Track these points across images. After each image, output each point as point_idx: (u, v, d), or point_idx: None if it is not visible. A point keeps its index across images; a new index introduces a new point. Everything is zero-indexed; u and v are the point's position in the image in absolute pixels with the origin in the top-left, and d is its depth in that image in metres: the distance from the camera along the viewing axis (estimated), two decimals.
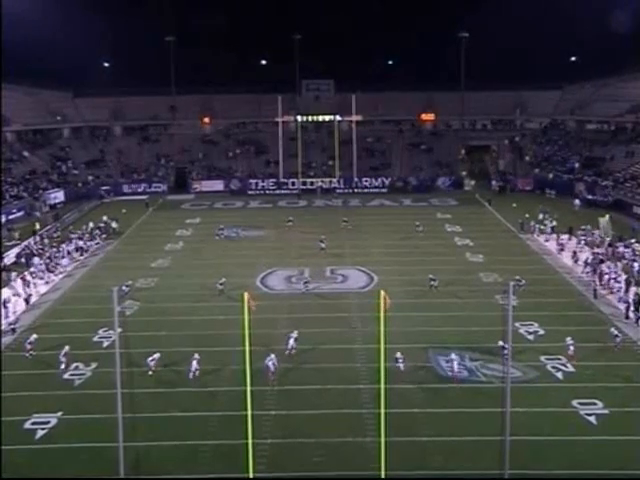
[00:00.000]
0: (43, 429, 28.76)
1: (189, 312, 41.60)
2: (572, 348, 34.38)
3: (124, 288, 43.95)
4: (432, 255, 53.45)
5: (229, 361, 33.64)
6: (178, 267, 51.78)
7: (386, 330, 24.34)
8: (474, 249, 55.33)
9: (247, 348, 24.32)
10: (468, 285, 45.97)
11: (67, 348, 34.70)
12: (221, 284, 44.90)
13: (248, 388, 24.04)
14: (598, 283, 44.78)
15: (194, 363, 33.08)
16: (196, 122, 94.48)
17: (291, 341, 35.57)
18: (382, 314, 24.49)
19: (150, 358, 33.67)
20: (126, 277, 47.19)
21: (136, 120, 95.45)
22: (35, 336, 36.70)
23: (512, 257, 52.54)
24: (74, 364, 34.31)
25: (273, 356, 33.23)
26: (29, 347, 35.73)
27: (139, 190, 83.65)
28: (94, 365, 34.32)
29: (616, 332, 36.48)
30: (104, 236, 60.74)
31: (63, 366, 34.01)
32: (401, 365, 33.32)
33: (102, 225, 62.91)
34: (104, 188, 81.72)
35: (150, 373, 33.38)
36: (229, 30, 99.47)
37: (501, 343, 34.11)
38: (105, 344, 36.81)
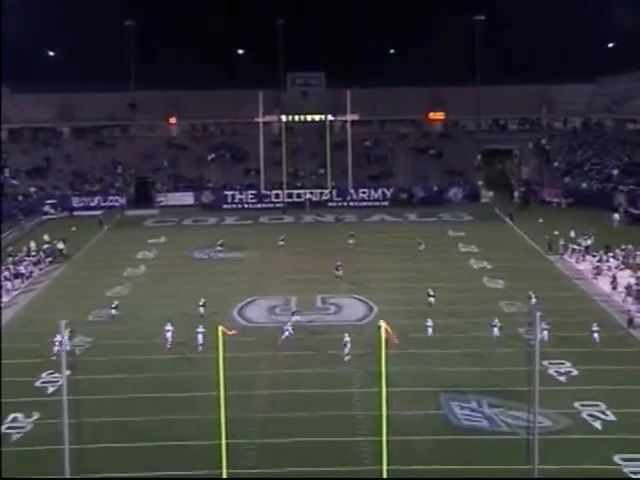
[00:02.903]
0: None
1: (151, 350, 41.37)
2: (546, 333, 39.46)
3: (112, 311, 46.22)
4: (443, 280, 53.39)
5: (200, 409, 33.42)
6: (139, 296, 51.59)
7: (388, 370, 24.22)
8: (493, 273, 55.36)
9: (221, 393, 24.15)
10: (486, 316, 45.79)
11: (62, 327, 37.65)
12: (202, 305, 46.12)
13: (223, 441, 23.85)
14: None
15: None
16: (161, 123, 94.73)
17: (347, 346, 39.58)
18: (383, 351, 24.37)
19: (166, 329, 41.13)
20: (77, 308, 47.00)
21: (88, 120, 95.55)
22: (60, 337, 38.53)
23: (538, 282, 52.45)
24: (11, 415, 33.97)
25: (290, 327, 41.72)
26: (56, 350, 37.23)
27: (92, 204, 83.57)
28: (36, 416, 33.93)
29: (596, 328, 40.40)
30: (49, 259, 60.51)
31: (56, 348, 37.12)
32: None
33: (47, 246, 62.71)
34: (49, 202, 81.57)
35: (168, 346, 40.60)
36: (200, 14, 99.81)
37: (496, 322, 41.39)
38: (50, 390, 36.41)
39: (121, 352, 41.24)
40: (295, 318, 44.82)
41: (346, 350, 39.43)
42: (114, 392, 35.65)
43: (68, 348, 26.77)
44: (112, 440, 31.88)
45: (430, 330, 42.40)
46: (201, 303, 46.22)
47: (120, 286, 53.85)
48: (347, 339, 39.67)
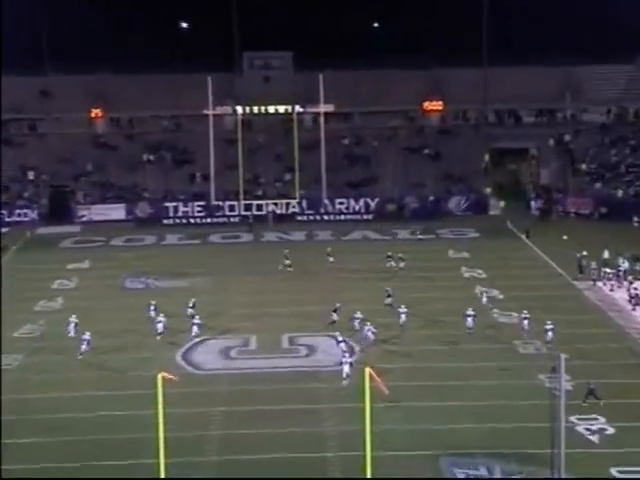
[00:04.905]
0: None
1: (74, 407, 41.11)
2: (526, 322, 47.68)
3: None
4: (442, 313, 53.64)
5: None
6: (56, 337, 51.17)
7: (373, 429, 24.16)
8: (505, 304, 55.54)
9: (162, 460, 24.10)
10: (496, 359, 46.05)
11: None
12: (192, 307, 52.21)
13: None
14: None
15: None
16: (82, 116, 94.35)
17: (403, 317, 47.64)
18: (367, 404, 24.38)
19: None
20: None
21: None
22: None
23: (562, 316, 52.58)
24: None
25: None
26: (85, 348, 46.60)
27: None
28: None
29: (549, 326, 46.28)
30: None
31: None
32: (370, 334, 41.53)
33: None
34: None
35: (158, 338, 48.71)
36: None
37: (470, 311, 47.57)
38: None
39: (31, 410, 40.78)
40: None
41: (345, 372, 42.06)
42: (27, 461, 35.26)
43: None
44: None
45: (403, 317, 49.06)
46: (191, 304, 52.74)
47: (31, 324, 53.47)
48: (348, 359, 42.65)
